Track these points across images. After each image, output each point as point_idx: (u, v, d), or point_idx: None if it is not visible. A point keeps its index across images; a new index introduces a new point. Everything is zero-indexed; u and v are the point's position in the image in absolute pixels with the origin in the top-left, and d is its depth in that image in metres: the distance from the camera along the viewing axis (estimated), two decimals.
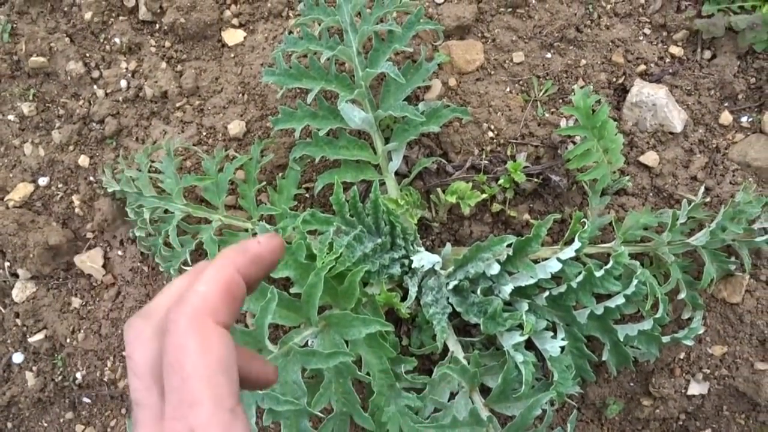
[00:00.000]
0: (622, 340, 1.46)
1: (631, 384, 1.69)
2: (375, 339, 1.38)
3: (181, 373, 0.61)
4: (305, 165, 1.68)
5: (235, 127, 1.89)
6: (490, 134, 1.76)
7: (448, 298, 1.50)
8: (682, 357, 1.66)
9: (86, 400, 1.97)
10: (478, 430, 1.31)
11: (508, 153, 1.73)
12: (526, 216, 1.68)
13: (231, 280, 0.69)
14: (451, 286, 1.49)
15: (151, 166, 1.77)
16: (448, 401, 1.42)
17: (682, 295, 1.55)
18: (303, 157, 1.64)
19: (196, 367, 0.61)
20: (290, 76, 1.58)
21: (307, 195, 1.80)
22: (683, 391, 1.65)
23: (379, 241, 1.48)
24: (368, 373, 1.37)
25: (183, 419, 0.59)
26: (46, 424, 2.02)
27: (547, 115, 1.78)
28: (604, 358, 1.51)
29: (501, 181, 1.66)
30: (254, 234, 1.60)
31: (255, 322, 1.36)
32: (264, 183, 1.71)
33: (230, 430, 0.59)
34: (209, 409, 0.59)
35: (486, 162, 1.71)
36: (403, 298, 1.51)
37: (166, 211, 1.73)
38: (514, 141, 1.74)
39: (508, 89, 1.82)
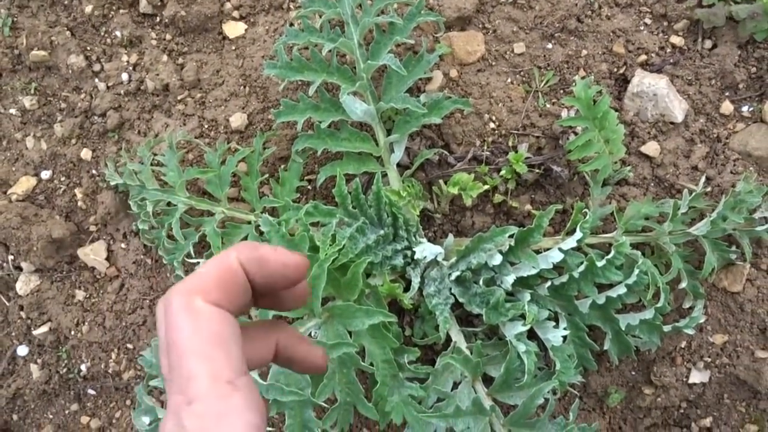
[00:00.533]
0: (623, 329, 1.47)
1: (633, 373, 1.70)
2: (378, 330, 1.39)
3: (177, 350, 0.63)
4: (307, 157, 1.68)
5: (237, 120, 1.90)
6: (492, 125, 1.76)
7: (450, 289, 1.50)
8: (683, 346, 1.67)
9: (91, 391, 1.98)
10: (481, 419, 1.32)
11: (510, 144, 1.74)
12: (528, 206, 1.69)
13: (229, 267, 0.70)
14: (453, 277, 1.50)
15: (153, 159, 1.78)
16: (451, 391, 1.43)
17: (683, 285, 1.56)
18: (305, 150, 1.64)
19: (191, 343, 0.63)
20: (292, 68, 1.59)
21: (309, 187, 1.80)
22: (684, 379, 1.66)
23: (382, 232, 1.49)
24: (372, 364, 1.38)
25: (183, 392, 0.61)
26: (51, 416, 2.03)
27: (548, 105, 1.78)
28: (605, 348, 1.52)
29: (503, 172, 1.66)
30: (257, 227, 1.60)
31: (259, 313, 1.37)
32: (267, 175, 1.71)
33: (228, 400, 0.61)
34: (205, 381, 0.61)
35: (487, 153, 1.71)
36: (406, 289, 1.52)
37: (168, 204, 1.73)
38: (516, 132, 1.75)
39: (509, 80, 1.82)
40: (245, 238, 1.61)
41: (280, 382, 1.31)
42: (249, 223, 1.66)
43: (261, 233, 1.56)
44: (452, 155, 1.72)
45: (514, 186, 1.69)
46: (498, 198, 1.68)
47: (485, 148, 1.73)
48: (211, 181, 1.66)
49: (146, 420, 1.45)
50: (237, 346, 0.67)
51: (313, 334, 1.39)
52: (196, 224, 1.68)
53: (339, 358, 1.37)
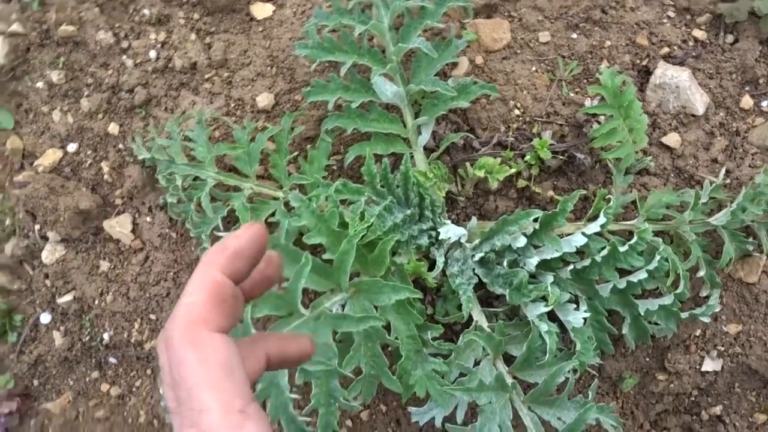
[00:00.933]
0: (642, 314, 1.50)
1: (647, 359, 1.74)
2: (403, 306, 1.43)
3: (185, 385, 0.65)
4: (335, 137, 1.71)
5: (264, 100, 1.93)
6: (516, 112, 1.79)
7: (473, 270, 1.54)
8: (697, 334, 1.71)
9: (112, 360, 2.03)
10: (503, 395, 1.36)
11: (534, 131, 1.77)
12: (551, 192, 1.72)
13: (215, 283, 0.72)
14: (476, 258, 1.53)
15: (181, 135, 1.81)
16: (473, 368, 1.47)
17: (701, 273, 1.59)
18: (333, 129, 1.67)
19: (198, 377, 0.65)
20: (323, 49, 1.61)
21: (334, 167, 1.83)
22: (697, 367, 1.70)
23: (409, 212, 1.52)
24: (396, 339, 1.42)
25: (196, 426, 0.63)
26: (71, 383, 2.08)
27: (571, 94, 1.81)
28: (624, 332, 1.55)
29: (527, 158, 1.69)
30: (286, 203, 1.63)
31: (289, 286, 1.40)
32: (295, 153, 1.73)
33: (241, 430, 0.63)
34: (218, 413, 0.63)
35: (512, 139, 1.74)
36: (430, 269, 1.56)
37: (196, 179, 1.76)
38: (540, 119, 1.78)
39: (533, 68, 1.85)
40: (273, 214, 1.65)
41: None
42: (277, 199, 1.69)
43: (289, 209, 1.59)
44: (477, 140, 1.75)
45: (538, 172, 1.73)
46: (521, 183, 1.71)
47: (510, 134, 1.76)
48: (240, 157, 1.69)
49: None
50: (242, 371, 0.69)
51: (336, 310, 1.42)
52: (224, 199, 1.71)
53: (365, 331, 1.40)
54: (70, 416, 2.06)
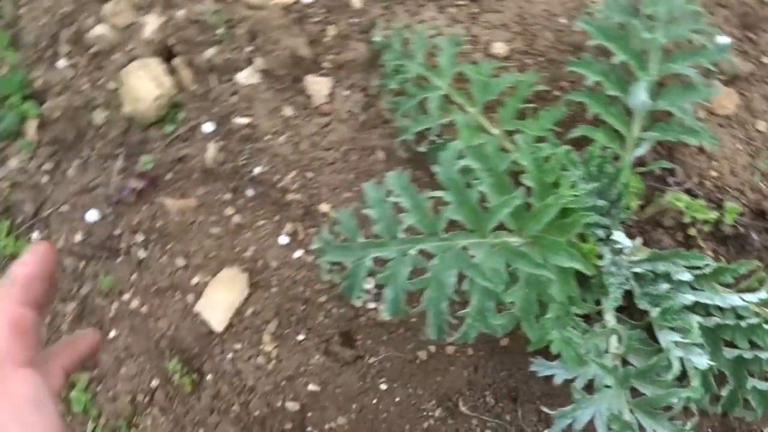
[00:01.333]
0: (748, 389, 1.64)
1: (709, 429, 1.88)
2: (566, 275, 1.57)
3: None
4: (570, 111, 1.83)
5: (499, 48, 2.06)
6: (713, 173, 1.92)
7: (628, 279, 1.67)
8: (765, 430, 1.85)
9: (250, 192, 2.15)
10: (619, 389, 1.50)
11: (719, 196, 1.90)
12: (710, 252, 1.85)
13: (13, 318, 0.70)
14: (634, 270, 1.66)
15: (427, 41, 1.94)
16: None
17: None
18: (571, 102, 1.80)
19: (6, 415, 0.64)
20: (603, 32, 1.74)
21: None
22: None
23: (604, 203, 1.66)
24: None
25: None
26: (202, 193, 2.21)
27: (761, 184, 1.95)
28: (722, 393, 1.68)
29: (710, 215, 1.82)
30: (471, 147, 1.75)
31: (491, 208, 1.55)
32: (530, 105, 1.86)
33: None
34: None
35: (700, 193, 1.88)
36: None
37: (420, 78, 1.89)
38: (729, 189, 1.91)
39: (739, 146, 1.98)
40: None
41: (482, 267, 1.50)
42: (490, 134, 1.82)
43: (501, 150, 1.72)
44: (673, 178, 1.88)
45: (709, 230, 1.86)
46: (692, 231, 1.84)
47: (701, 188, 1.89)
48: (477, 84, 1.82)
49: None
50: (51, 402, 0.68)
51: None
52: (443, 110, 1.84)
53: (529, 277, 1.55)
54: (186, 219, 2.19)
